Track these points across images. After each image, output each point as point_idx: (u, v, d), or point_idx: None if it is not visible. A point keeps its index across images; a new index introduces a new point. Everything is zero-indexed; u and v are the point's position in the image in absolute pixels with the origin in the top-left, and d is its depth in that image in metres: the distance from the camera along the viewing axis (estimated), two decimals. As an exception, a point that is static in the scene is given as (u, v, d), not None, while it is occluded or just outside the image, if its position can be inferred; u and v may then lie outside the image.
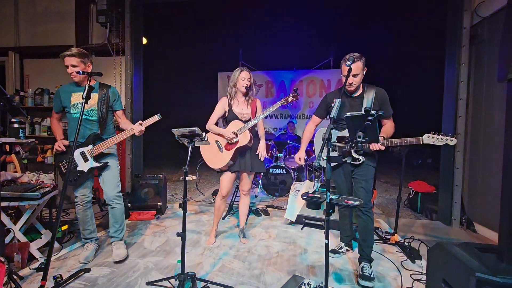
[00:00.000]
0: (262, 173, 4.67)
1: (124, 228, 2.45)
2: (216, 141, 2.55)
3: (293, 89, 2.49)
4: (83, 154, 2.24)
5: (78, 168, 2.22)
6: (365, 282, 1.96)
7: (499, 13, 2.90)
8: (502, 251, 1.34)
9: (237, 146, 2.48)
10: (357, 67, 2.02)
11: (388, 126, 2.14)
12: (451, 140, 1.78)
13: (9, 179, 2.46)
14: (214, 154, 2.53)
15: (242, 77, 2.53)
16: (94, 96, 2.29)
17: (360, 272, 2.05)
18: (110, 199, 2.34)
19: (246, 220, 2.95)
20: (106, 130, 2.37)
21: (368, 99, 2.11)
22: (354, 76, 2.04)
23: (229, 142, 2.50)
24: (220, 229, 2.95)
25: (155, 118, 2.27)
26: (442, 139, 1.82)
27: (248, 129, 2.50)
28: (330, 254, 2.36)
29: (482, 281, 1.20)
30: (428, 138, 1.88)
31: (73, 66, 2.20)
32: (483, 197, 3.11)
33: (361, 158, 2.07)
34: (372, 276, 1.99)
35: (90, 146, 2.24)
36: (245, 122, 2.53)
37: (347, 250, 2.53)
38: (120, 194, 2.41)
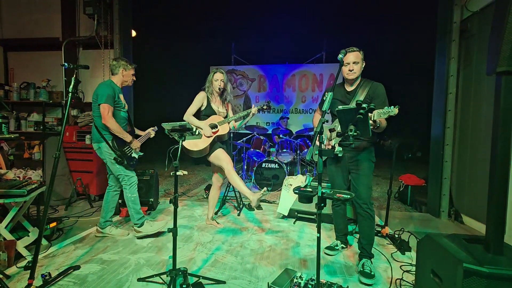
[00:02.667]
0: (255, 168, 4.68)
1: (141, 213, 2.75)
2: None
3: (266, 102, 2.91)
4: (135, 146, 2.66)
5: (132, 155, 2.64)
6: (366, 279, 1.96)
7: (488, 8, 2.93)
8: (489, 242, 1.37)
9: (217, 134, 2.70)
10: (357, 55, 2.06)
11: (382, 120, 1.98)
12: (391, 111, 1.62)
13: (-6, 176, 2.39)
14: (194, 142, 2.70)
15: (215, 78, 2.72)
16: (122, 97, 2.62)
17: (361, 269, 2.04)
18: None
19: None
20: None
21: (362, 93, 2.10)
22: (354, 63, 2.06)
23: (206, 135, 2.69)
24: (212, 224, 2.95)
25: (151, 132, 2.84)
26: (385, 112, 1.66)
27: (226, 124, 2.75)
28: (326, 251, 2.38)
29: (470, 271, 1.23)
30: (377, 113, 1.73)
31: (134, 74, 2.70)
32: (470, 190, 3.18)
33: (336, 148, 1.98)
34: (372, 273, 1.99)
35: (134, 139, 2.65)
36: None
37: (343, 247, 2.48)
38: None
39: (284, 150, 4.85)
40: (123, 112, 2.61)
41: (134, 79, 2.70)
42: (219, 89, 2.71)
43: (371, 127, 1.65)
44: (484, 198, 1.42)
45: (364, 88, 2.12)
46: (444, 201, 3.39)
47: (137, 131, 2.82)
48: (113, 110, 2.47)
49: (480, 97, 3.04)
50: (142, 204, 3.39)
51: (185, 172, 1.98)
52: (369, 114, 1.65)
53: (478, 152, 3.05)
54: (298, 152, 4.95)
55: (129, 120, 2.70)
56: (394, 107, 1.62)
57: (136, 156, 2.67)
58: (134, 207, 2.60)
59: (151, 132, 2.81)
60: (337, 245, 2.43)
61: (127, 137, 2.56)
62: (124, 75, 2.60)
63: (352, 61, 2.07)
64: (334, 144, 2.05)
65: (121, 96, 2.59)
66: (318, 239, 1.47)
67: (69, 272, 2.00)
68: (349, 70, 2.09)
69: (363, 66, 2.14)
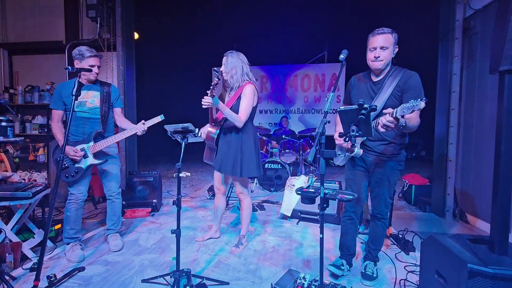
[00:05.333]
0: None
1: (120, 221, 2.57)
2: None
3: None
4: (83, 151, 2.22)
5: (76, 165, 2.21)
6: (367, 281, 1.92)
7: (491, 5, 2.90)
8: (493, 242, 1.36)
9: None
10: (387, 39, 1.69)
11: (412, 116, 1.57)
12: (416, 105, 1.35)
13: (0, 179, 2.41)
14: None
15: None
16: (97, 94, 2.29)
17: (363, 270, 2.00)
18: (112, 194, 2.45)
19: (247, 229, 2.53)
20: (108, 128, 2.39)
21: (390, 85, 1.74)
22: (382, 49, 1.69)
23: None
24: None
25: (158, 118, 2.27)
26: (409, 106, 1.37)
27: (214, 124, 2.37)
28: (332, 268, 1.98)
29: (474, 272, 1.22)
30: (400, 109, 1.44)
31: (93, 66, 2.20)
32: (475, 189, 3.16)
33: (355, 150, 1.67)
34: (374, 275, 1.95)
35: (91, 143, 2.23)
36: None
37: (348, 270, 2.07)
38: (120, 190, 2.52)
39: (287, 150, 4.85)
40: (79, 113, 2.24)
41: (97, 71, 2.25)
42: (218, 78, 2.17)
43: (392, 125, 1.44)
44: (489, 197, 1.41)
45: (394, 78, 1.74)
46: (449, 201, 3.37)
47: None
48: (62, 114, 2.24)
49: (484, 96, 3.01)
50: (145, 206, 3.42)
51: (188, 174, 1.99)
52: (391, 110, 1.45)
53: (483, 151, 3.03)
54: (301, 152, 4.94)
55: (102, 120, 2.32)
56: (421, 100, 1.34)
57: (82, 166, 2.22)
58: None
59: (137, 128, 2.26)
60: (342, 264, 2.04)
61: (59, 142, 2.21)
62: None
63: (380, 46, 1.69)
64: (355, 144, 1.65)
65: (83, 93, 2.22)
66: (321, 239, 1.46)
67: (74, 273, 2.01)
68: (374, 56, 1.71)
69: (395, 51, 1.76)
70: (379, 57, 1.71)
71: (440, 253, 1.45)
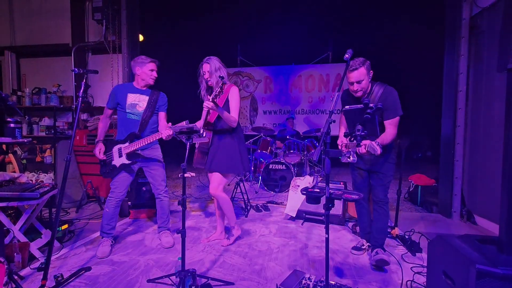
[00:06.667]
0: (262, 169, 4.68)
1: (169, 218, 2.68)
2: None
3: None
4: (119, 150, 2.38)
5: (112, 163, 2.39)
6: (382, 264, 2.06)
7: (498, 3, 2.86)
8: (502, 243, 1.33)
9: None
10: (360, 73, 1.93)
11: (387, 133, 1.97)
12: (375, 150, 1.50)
13: (8, 179, 2.44)
14: None
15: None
16: (145, 100, 2.44)
17: (374, 254, 2.11)
18: (160, 193, 2.57)
19: (234, 220, 2.58)
20: (146, 132, 2.43)
21: (373, 101, 2.00)
22: (358, 82, 1.96)
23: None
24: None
25: (183, 124, 2.21)
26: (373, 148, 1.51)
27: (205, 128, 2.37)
28: (353, 251, 2.39)
29: (483, 273, 1.20)
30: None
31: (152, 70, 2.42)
32: (483, 189, 3.11)
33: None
34: (388, 260, 2.05)
35: (127, 144, 2.36)
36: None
37: (369, 246, 2.38)
38: (167, 189, 2.62)
39: (291, 151, 4.83)
40: (127, 114, 2.41)
41: (155, 75, 2.46)
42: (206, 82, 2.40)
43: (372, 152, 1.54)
44: (497, 198, 1.39)
45: (375, 95, 2.02)
46: (456, 201, 3.32)
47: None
48: (111, 112, 2.48)
49: (492, 95, 2.97)
50: (150, 207, 3.44)
51: (193, 174, 1.99)
52: (368, 143, 1.55)
53: (491, 151, 2.98)
54: (305, 153, 4.92)
55: (142, 123, 2.42)
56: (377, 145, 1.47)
57: (116, 164, 2.37)
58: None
59: (162, 132, 2.27)
60: (363, 245, 2.41)
61: (98, 136, 2.45)
62: (139, 74, 2.42)
63: (356, 81, 1.95)
64: (351, 152, 1.91)
65: (131, 96, 2.40)
66: (327, 240, 1.46)
67: (81, 273, 2.03)
68: (353, 90, 2.00)
69: (371, 76, 2.02)
70: (357, 89, 1.96)
71: (448, 253, 1.43)
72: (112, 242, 2.46)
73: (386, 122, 2.01)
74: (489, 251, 1.31)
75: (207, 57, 2.38)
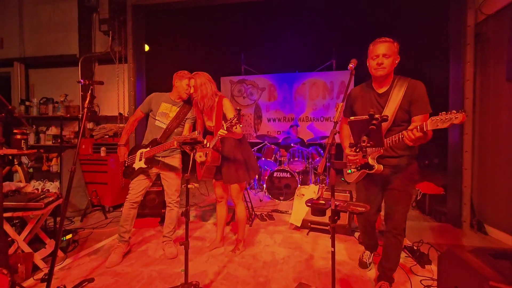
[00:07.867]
0: (266, 177, 4.64)
1: (175, 229, 2.68)
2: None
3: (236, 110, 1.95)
4: (140, 154, 2.46)
5: (133, 165, 2.48)
6: None
7: (504, 10, 2.84)
8: (516, 257, 1.28)
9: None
10: (389, 47, 1.67)
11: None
12: (456, 118, 1.26)
13: (13, 189, 2.46)
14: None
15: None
16: (175, 111, 2.52)
17: None
18: (171, 202, 2.59)
19: (243, 234, 2.63)
20: (168, 140, 2.46)
21: (396, 97, 1.71)
22: (384, 56, 1.67)
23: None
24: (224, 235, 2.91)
25: (195, 133, 2.18)
26: (446, 119, 1.30)
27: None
28: (360, 268, 2.22)
29: (497, 290, 1.15)
30: (432, 122, 1.36)
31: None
32: (493, 198, 3.03)
33: (376, 166, 1.70)
34: None
35: (148, 149, 2.45)
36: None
37: (372, 260, 2.28)
38: (179, 199, 2.62)
39: (296, 158, 4.80)
40: (156, 121, 2.50)
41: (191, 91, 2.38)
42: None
43: (422, 140, 1.39)
44: (509, 207, 1.34)
45: (399, 89, 1.71)
46: (465, 211, 3.24)
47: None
48: (142, 116, 2.61)
49: (500, 102, 2.92)
50: (153, 215, 3.43)
51: (196, 185, 1.98)
52: (418, 124, 1.39)
53: (501, 159, 2.91)
54: (310, 160, 4.88)
55: (165, 131, 2.47)
56: (459, 112, 1.24)
57: (135, 167, 2.46)
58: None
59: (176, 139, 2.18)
60: (369, 257, 2.26)
61: (121, 139, 2.55)
62: (177, 86, 2.52)
63: (382, 53, 1.67)
64: (370, 160, 1.71)
65: (164, 105, 2.50)
66: (333, 253, 1.42)
67: (84, 285, 2.01)
68: (377, 64, 1.68)
69: (397, 62, 1.75)
70: (382, 63, 1.68)
71: (460, 268, 1.38)
72: (127, 250, 2.52)
73: (417, 118, 1.67)
74: (503, 267, 1.26)
75: (195, 72, 2.37)
